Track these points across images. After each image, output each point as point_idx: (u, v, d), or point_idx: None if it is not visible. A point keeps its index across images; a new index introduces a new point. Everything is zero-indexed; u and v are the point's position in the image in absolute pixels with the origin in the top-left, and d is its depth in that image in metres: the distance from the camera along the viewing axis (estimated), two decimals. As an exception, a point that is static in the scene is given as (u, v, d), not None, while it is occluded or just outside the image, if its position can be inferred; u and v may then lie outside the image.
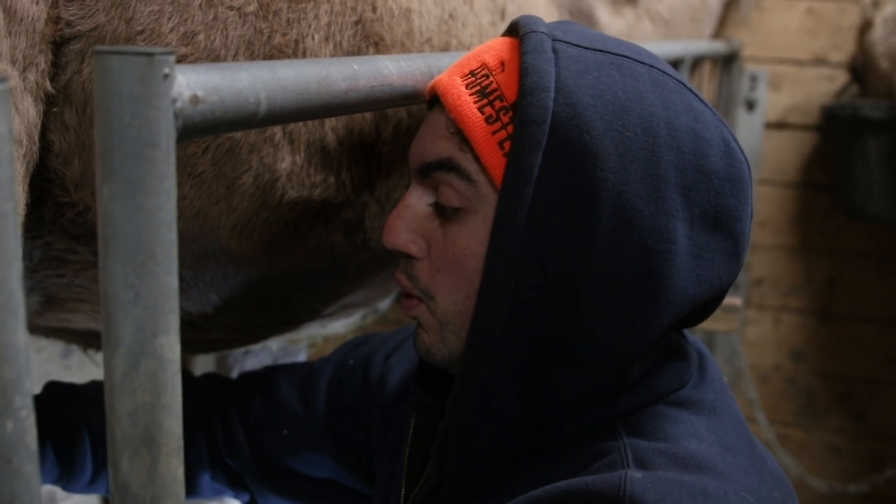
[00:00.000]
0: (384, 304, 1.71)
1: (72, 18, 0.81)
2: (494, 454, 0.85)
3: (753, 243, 3.31)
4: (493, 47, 0.88)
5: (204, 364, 2.09)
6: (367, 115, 1.04)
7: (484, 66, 0.86)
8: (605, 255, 0.78)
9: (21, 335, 0.51)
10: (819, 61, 3.21)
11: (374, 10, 1.02)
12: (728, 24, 3.12)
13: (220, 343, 1.33)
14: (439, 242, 0.86)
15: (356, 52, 1.01)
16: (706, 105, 0.86)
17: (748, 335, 3.36)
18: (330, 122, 1.00)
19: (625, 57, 0.84)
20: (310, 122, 0.98)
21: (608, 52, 0.84)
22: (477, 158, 0.83)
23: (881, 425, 3.31)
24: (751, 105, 3.24)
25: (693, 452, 0.79)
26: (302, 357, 2.14)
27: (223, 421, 1.21)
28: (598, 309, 0.79)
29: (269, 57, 0.91)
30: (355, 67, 0.78)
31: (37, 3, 0.77)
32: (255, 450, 1.20)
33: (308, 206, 1.03)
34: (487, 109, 0.83)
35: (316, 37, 0.95)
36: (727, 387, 0.93)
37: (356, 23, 1.00)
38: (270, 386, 1.22)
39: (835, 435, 3.37)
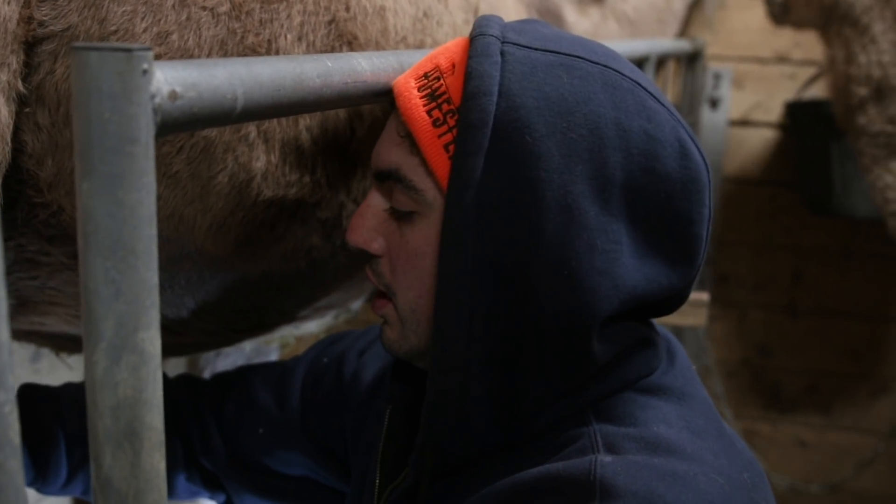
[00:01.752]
0: (357, 304, 1.72)
1: (44, 19, 0.81)
2: (471, 456, 0.86)
3: (719, 239, 3.35)
4: (448, 49, 0.89)
5: (175, 365, 2.08)
6: (342, 113, 1.05)
7: (437, 68, 0.87)
8: (556, 255, 0.80)
9: (3, 331, 0.51)
10: (781, 59, 3.25)
11: (347, 9, 1.02)
12: (692, 24, 3.15)
13: (193, 347, 1.33)
14: (396, 242, 0.88)
15: (329, 51, 1.01)
16: (663, 105, 0.86)
17: (715, 330, 3.39)
18: (304, 121, 1.00)
19: (577, 57, 0.85)
20: (284, 121, 0.98)
21: (560, 53, 0.84)
22: (424, 161, 0.84)
23: (847, 418, 3.36)
24: (714, 103, 3.28)
25: (662, 436, 0.80)
26: (274, 357, 2.13)
27: (198, 421, 1.21)
28: (554, 306, 0.80)
29: (242, 56, 0.92)
30: (329, 64, 0.79)
31: (8, 3, 0.77)
32: (230, 449, 1.20)
33: (284, 206, 1.03)
34: (435, 112, 0.84)
35: (289, 36, 0.95)
36: (696, 374, 0.94)
37: (329, 22, 1.01)
38: (244, 386, 1.22)
39: (802, 429, 3.41)
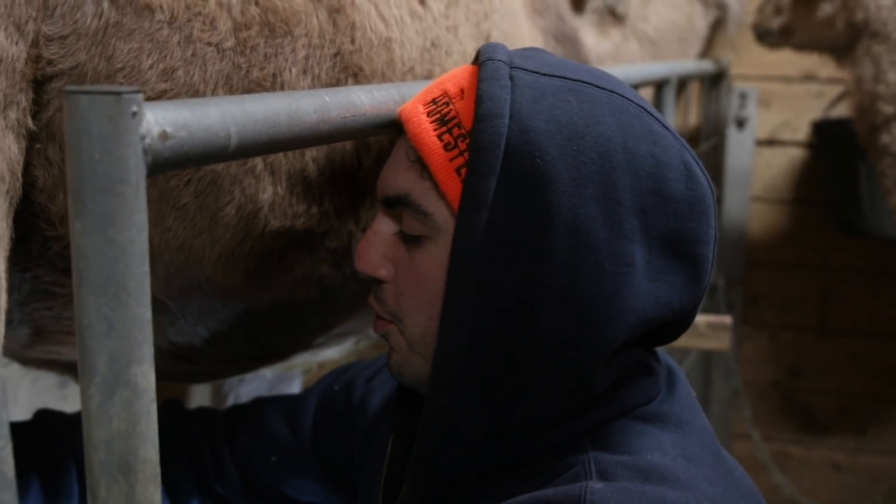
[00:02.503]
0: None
1: (53, 57, 0.84)
2: (466, 475, 0.86)
3: (748, 261, 3.33)
4: (455, 75, 0.90)
5: (200, 391, 2.10)
6: (349, 144, 1.06)
7: (445, 94, 0.88)
8: (561, 278, 0.80)
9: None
10: (808, 77, 3.24)
11: (352, 41, 1.04)
12: (715, 44, 3.14)
13: (209, 375, 1.34)
14: (405, 266, 0.89)
15: (335, 83, 1.03)
16: (668, 129, 0.87)
17: (745, 352, 3.37)
18: (311, 153, 1.02)
19: (584, 83, 0.86)
20: (290, 154, 1.00)
21: (567, 79, 0.86)
22: (436, 185, 0.85)
23: (882, 441, 3.32)
24: (741, 123, 3.27)
25: (656, 464, 0.81)
26: (297, 382, 2.15)
27: (212, 450, 1.22)
28: (556, 331, 0.81)
29: (247, 91, 0.93)
30: (327, 99, 0.80)
31: (16, 43, 0.79)
32: (244, 477, 1.21)
33: (292, 236, 1.05)
34: (446, 137, 0.85)
35: (293, 70, 0.97)
36: (696, 401, 0.94)
37: (335, 55, 1.03)
38: (258, 415, 1.23)
39: (835, 451, 3.37)
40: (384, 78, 1.10)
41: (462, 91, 0.87)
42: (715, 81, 3.13)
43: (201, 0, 0.89)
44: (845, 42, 2.48)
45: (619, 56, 2.49)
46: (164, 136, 0.61)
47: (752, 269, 3.34)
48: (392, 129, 0.91)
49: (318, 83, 1.01)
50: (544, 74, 0.86)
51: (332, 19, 1.02)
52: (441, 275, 0.85)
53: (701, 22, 2.85)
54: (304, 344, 1.31)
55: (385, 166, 0.93)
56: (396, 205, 0.89)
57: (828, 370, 3.34)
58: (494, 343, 0.82)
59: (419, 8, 1.17)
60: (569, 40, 2.06)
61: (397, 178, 0.89)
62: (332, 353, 1.66)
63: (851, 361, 3.31)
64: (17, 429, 1.17)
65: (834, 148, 2.98)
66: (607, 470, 0.80)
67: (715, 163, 3.24)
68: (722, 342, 2.02)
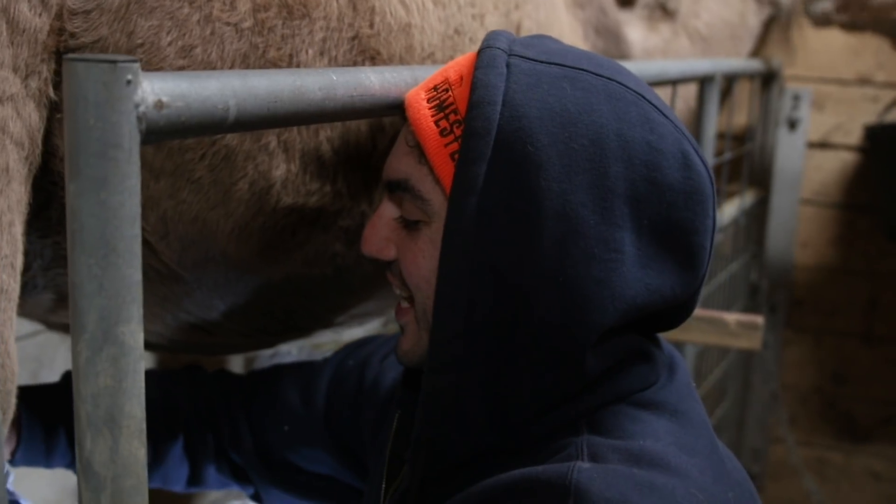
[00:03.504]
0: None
1: (76, 30, 0.87)
2: (465, 456, 0.88)
3: (795, 264, 3.29)
4: (459, 62, 0.92)
5: (234, 364, 2.14)
6: (363, 126, 1.08)
7: (446, 80, 0.90)
8: (550, 263, 0.81)
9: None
10: (863, 81, 3.19)
11: (371, 25, 1.06)
12: (769, 43, 3.11)
13: (227, 347, 1.37)
14: (406, 248, 0.92)
15: (352, 66, 1.05)
16: (668, 118, 0.87)
17: (788, 356, 3.33)
18: (325, 132, 1.04)
19: (582, 70, 0.87)
20: (304, 132, 1.02)
21: (564, 66, 0.87)
22: (432, 170, 0.87)
23: (924, 451, 3.27)
24: (793, 124, 3.23)
25: (647, 449, 0.82)
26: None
27: (229, 416, 1.25)
28: (546, 314, 0.82)
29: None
30: (334, 77, 0.82)
31: (39, 15, 0.82)
32: (257, 445, 1.24)
33: (304, 213, 1.07)
34: (442, 122, 0.87)
35: (310, 51, 0.99)
36: (695, 392, 0.95)
37: (352, 38, 1.04)
38: (274, 384, 1.26)
39: (875, 460, 3.32)
40: (402, 62, 1.11)
41: (462, 78, 0.89)
42: (767, 81, 3.09)
43: (223, -21, 0.92)
44: None
45: (668, 51, 2.48)
46: (159, 104, 0.63)
47: (798, 272, 3.31)
48: (401, 111, 0.93)
49: (335, 65, 1.03)
50: (542, 62, 0.87)
51: (352, 3, 1.04)
52: (437, 257, 0.87)
53: (753, 19, 2.82)
54: (324, 322, 1.33)
55: (391, 151, 0.95)
56: (397, 189, 0.92)
57: (871, 378, 3.29)
58: (488, 325, 0.83)
59: (443, -6, 1.18)
60: (610, 34, 2.05)
61: (399, 163, 0.92)
62: (357, 332, 1.68)
63: (895, 369, 3.26)
64: (47, 389, 1.21)
65: (886, 153, 2.93)
66: (598, 452, 0.81)
67: (763, 164, 3.21)
68: (754, 342, 2.00)
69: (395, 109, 0.92)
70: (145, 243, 0.99)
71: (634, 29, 2.36)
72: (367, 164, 1.11)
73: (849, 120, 3.22)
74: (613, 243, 0.82)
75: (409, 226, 0.92)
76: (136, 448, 0.65)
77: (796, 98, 3.22)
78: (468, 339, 0.84)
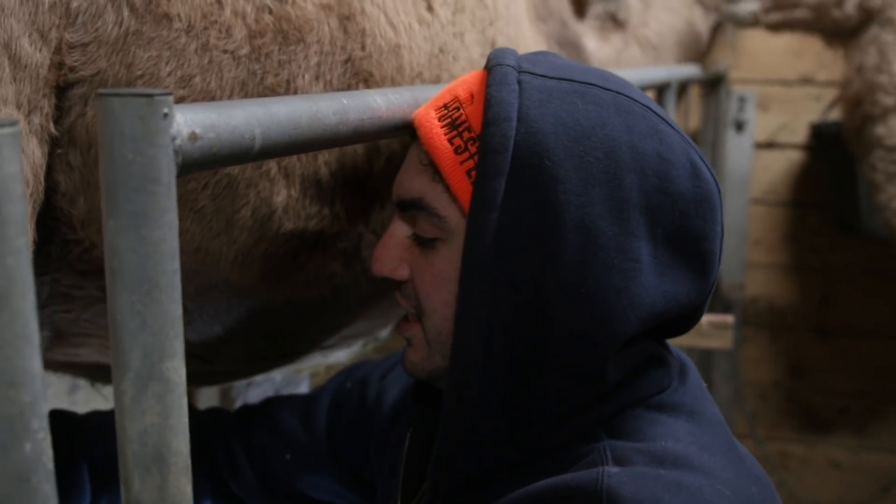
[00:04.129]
0: (384, 332, 1.75)
1: (75, 64, 0.86)
2: (487, 470, 0.88)
3: (748, 262, 3.35)
4: (466, 80, 0.93)
5: (208, 395, 2.12)
6: (360, 148, 1.08)
7: (456, 99, 0.91)
8: (572, 274, 0.83)
9: (36, 361, 0.54)
10: (806, 81, 3.26)
11: (363, 48, 1.06)
12: (715, 48, 3.17)
13: (225, 375, 1.36)
14: (421, 268, 0.92)
15: (346, 89, 1.05)
16: (674, 128, 0.89)
17: (746, 353, 3.39)
18: (323, 156, 1.04)
19: (590, 84, 0.88)
20: (304, 157, 1.02)
21: (574, 81, 0.88)
22: (447, 188, 0.88)
23: (882, 439, 3.34)
24: (740, 126, 3.29)
25: (670, 450, 0.83)
26: (304, 386, 2.17)
27: (226, 449, 1.24)
28: (568, 325, 0.84)
29: (262, 97, 0.95)
30: (345, 102, 0.82)
31: (40, 50, 0.81)
32: (259, 475, 1.23)
33: (305, 237, 1.07)
34: (457, 140, 0.88)
35: (307, 76, 0.99)
36: (707, 392, 0.96)
37: (346, 61, 1.05)
38: (271, 414, 1.25)
39: (836, 450, 3.39)
40: (394, 83, 1.12)
41: (472, 96, 0.90)
42: (714, 85, 3.15)
43: (217, 8, 0.91)
44: (854, 26, 2.44)
45: (620, 61, 2.52)
46: (193, 136, 0.63)
47: (752, 270, 3.36)
48: (407, 131, 0.93)
49: (330, 88, 1.03)
50: (551, 78, 0.88)
51: (343, 26, 1.04)
52: (455, 276, 0.88)
53: (701, 25, 2.87)
54: (317, 343, 1.33)
55: (400, 170, 0.95)
56: (410, 208, 0.92)
57: (828, 370, 3.36)
58: (509, 340, 0.84)
59: (427, 14, 1.19)
60: (571, 45, 2.08)
61: (411, 182, 0.92)
62: (340, 356, 1.68)
63: (851, 361, 3.33)
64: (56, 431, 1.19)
65: (832, 150, 3.00)
66: (623, 456, 0.82)
67: (713, 166, 3.26)
68: (724, 341, 2.04)
69: (401, 130, 0.92)
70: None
71: (590, 40, 2.39)
72: (364, 186, 1.11)
73: (794, 119, 3.29)
74: (631, 252, 0.84)
75: (425, 244, 0.92)
76: (185, 485, 0.64)
77: (742, 100, 3.29)
78: (489, 356, 0.84)
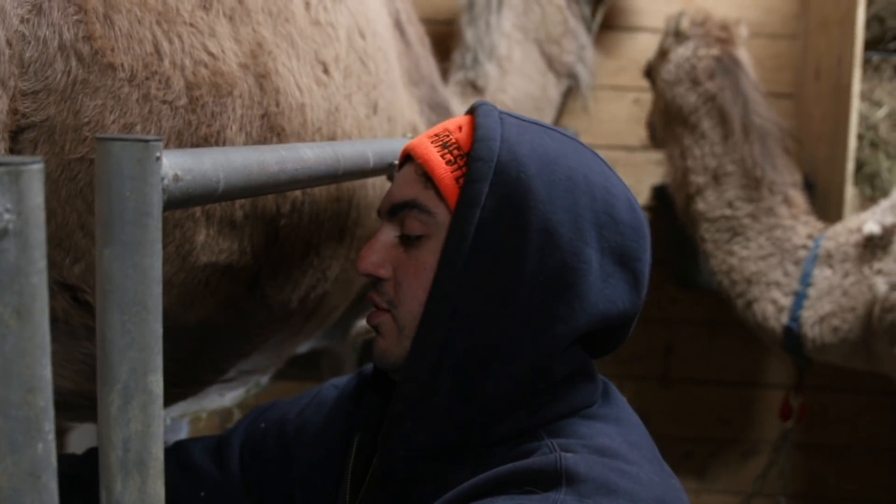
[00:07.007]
0: (266, 378, 1.82)
1: (27, 111, 0.92)
2: (432, 445, 1.00)
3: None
4: (453, 120, 1.10)
5: (79, 441, 2.12)
6: (270, 196, 1.18)
7: (445, 129, 1.08)
8: (534, 266, 0.97)
9: (49, 370, 0.62)
10: (647, 147, 3.51)
11: (277, 104, 1.16)
12: (566, 113, 3.38)
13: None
14: (403, 262, 1.04)
15: (263, 141, 1.14)
16: (615, 174, 1.07)
17: (595, 402, 3.56)
18: (240, 201, 1.13)
19: (553, 129, 1.07)
20: (224, 203, 1.11)
21: (539, 125, 1.07)
22: (438, 192, 1.03)
23: (722, 481, 3.56)
24: (588, 187, 3.50)
25: (607, 445, 0.97)
26: (184, 432, 2.19)
27: None
28: (527, 311, 0.97)
29: (195, 146, 1.04)
30: (283, 153, 0.92)
31: (0, 97, 0.88)
32: None
33: (216, 267, 1.16)
34: (447, 156, 1.04)
35: (234, 127, 1.08)
36: (630, 408, 1.11)
37: (262, 115, 1.14)
38: (182, 454, 1.29)
39: (679, 493, 3.58)
40: (300, 137, 1.22)
41: (460, 127, 1.07)
42: (565, 148, 3.34)
43: (156, 59, 1.00)
44: (661, 131, 2.89)
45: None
46: (176, 178, 0.71)
47: (600, 323, 3.55)
48: (326, 181, 1.04)
49: (251, 141, 1.12)
50: (523, 120, 1.07)
51: (259, 84, 1.14)
52: (436, 266, 1.01)
53: (554, 91, 3.07)
54: (220, 373, 1.40)
55: (390, 188, 1.09)
56: (402, 209, 1.05)
57: (670, 417, 3.57)
58: (472, 318, 0.97)
59: (324, 77, 1.31)
60: (441, 108, 2.22)
61: (404, 189, 1.06)
62: (224, 401, 1.74)
63: (692, 408, 3.55)
64: None
65: (671, 210, 3.24)
66: (569, 447, 0.95)
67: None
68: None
69: (324, 179, 1.03)
70: (84, 303, 1.04)
71: (455, 104, 2.54)
72: (269, 226, 1.21)
73: (637, 182, 3.53)
74: (583, 256, 0.99)
75: (410, 242, 1.04)
76: (160, 487, 0.72)
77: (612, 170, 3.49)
78: (451, 329, 0.97)
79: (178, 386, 1.36)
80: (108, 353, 0.68)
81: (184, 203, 0.74)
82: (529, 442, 0.98)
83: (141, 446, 0.70)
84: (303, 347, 1.84)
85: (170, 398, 1.41)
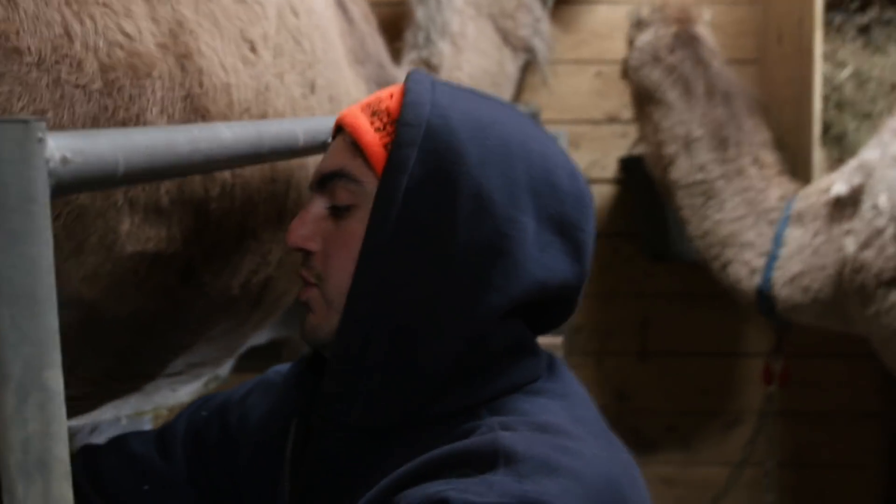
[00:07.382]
0: (225, 369, 1.78)
1: (-73, 100, 0.87)
2: (367, 425, 0.97)
3: (570, 292, 3.50)
4: (386, 89, 1.06)
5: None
6: (197, 177, 1.14)
7: (378, 97, 1.04)
8: (464, 235, 0.94)
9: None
10: (612, 120, 3.48)
11: (200, 85, 1.12)
12: (527, 89, 3.34)
13: (78, 401, 1.35)
14: (333, 234, 1.01)
15: (187, 123, 1.10)
16: (556, 144, 1.04)
17: (575, 380, 3.53)
18: (165, 186, 1.09)
19: (489, 98, 1.04)
20: (148, 187, 1.06)
21: (475, 93, 1.04)
22: (366, 160, 0.99)
23: (706, 453, 3.55)
24: (555, 164, 3.47)
25: (550, 421, 0.93)
26: (148, 428, 2.15)
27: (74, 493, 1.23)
28: (457, 283, 0.94)
29: (113, 130, 0.99)
30: (196, 133, 0.88)
31: None
32: None
33: (144, 256, 1.11)
34: (376, 122, 1.00)
35: (154, 110, 1.03)
36: (577, 383, 1.07)
37: (185, 97, 1.10)
38: (123, 448, 1.25)
39: (664, 467, 3.57)
40: (226, 118, 1.18)
41: (391, 95, 1.03)
42: (529, 125, 3.31)
43: (67, 42, 0.95)
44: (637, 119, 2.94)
45: (439, 103, 2.63)
46: (64, 160, 0.67)
47: (574, 300, 3.52)
48: (250, 161, 1.00)
49: (174, 122, 1.08)
50: (457, 88, 1.03)
51: (181, 64, 1.10)
52: (363, 235, 0.97)
53: (511, 66, 3.03)
54: (165, 364, 1.35)
55: (322, 158, 1.06)
56: (331, 180, 1.02)
57: (650, 391, 3.55)
58: (402, 288, 0.94)
59: (251, 55, 1.27)
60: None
61: (333, 158, 1.03)
62: (183, 396, 1.70)
63: (672, 381, 3.53)
64: None
65: (639, 182, 3.21)
66: (509, 425, 0.92)
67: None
68: (554, 362, 2.15)
69: (245, 160, 0.99)
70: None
71: (409, 82, 2.49)
72: (199, 210, 1.17)
73: (603, 156, 3.50)
74: (518, 224, 0.95)
75: (340, 213, 1.01)
76: (66, 490, 0.67)
77: (554, 139, 3.47)
78: (380, 300, 0.94)
79: (120, 381, 1.31)
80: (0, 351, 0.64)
81: (76, 188, 0.69)
82: (470, 421, 0.95)
83: (42, 447, 0.66)
84: (260, 338, 1.80)
85: (112, 393, 1.38)
